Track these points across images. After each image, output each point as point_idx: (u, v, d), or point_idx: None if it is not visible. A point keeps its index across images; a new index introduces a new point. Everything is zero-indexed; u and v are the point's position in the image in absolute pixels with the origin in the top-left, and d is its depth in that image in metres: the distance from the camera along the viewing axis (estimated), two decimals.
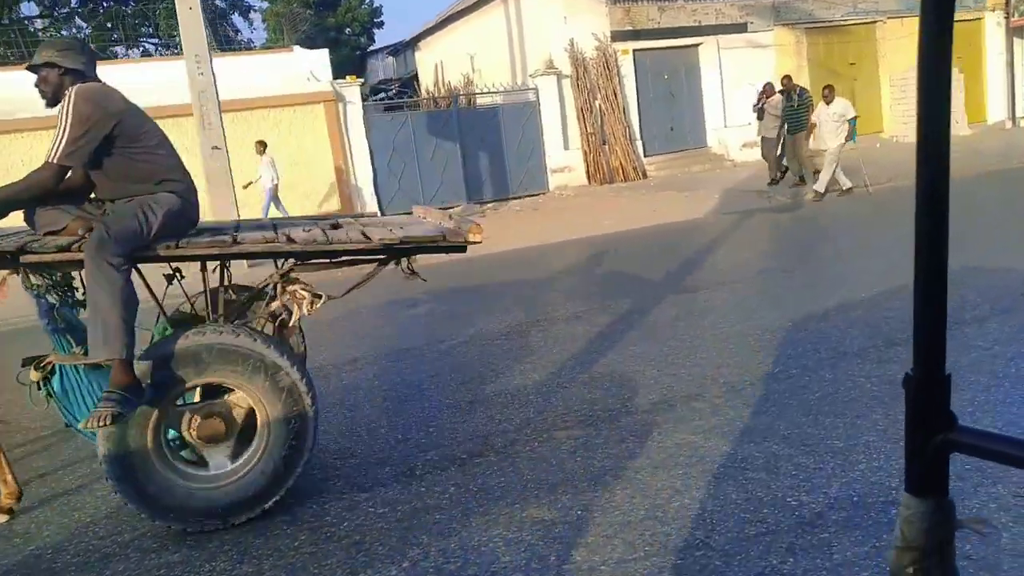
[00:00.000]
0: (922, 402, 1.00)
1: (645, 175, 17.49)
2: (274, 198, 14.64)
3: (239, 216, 11.15)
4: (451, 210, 15.16)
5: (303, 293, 3.37)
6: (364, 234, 3.40)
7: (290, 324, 3.47)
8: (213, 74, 10.41)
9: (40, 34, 20.84)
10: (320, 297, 3.39)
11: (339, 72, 18.73)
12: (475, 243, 3.43)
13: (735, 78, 17.92)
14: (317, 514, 3.33)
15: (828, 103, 11.58)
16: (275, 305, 3.48)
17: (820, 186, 11.50)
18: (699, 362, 4.76)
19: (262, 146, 14.55)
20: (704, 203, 12.68)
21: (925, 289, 0.94)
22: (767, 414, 3.85)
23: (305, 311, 3.36)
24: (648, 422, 3.91)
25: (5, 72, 16.14)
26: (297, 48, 17.03)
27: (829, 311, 5.51)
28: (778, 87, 13.37)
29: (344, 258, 3.62)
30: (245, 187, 14.43)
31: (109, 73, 12.85)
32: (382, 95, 24.46)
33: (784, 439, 3.54)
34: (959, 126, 18.03)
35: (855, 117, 11.55)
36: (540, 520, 3.06)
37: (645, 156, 17.75)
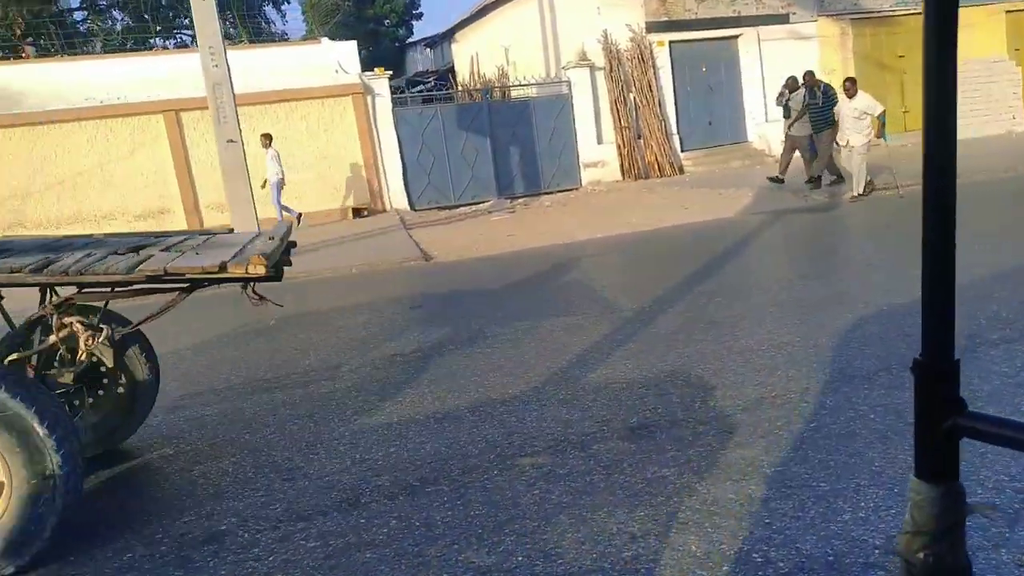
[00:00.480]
0: (931, 387, 1.01)
1: (681, 171, 16.98)
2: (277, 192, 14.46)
3: (256, 212, 11.04)
4: (478, 209, 14.79)
5: (78, 326, 3.08)
6: (139, 263, 3.09)
7: (80, 358, 3.18)
8: (228, 67, 10.27)
9: (79, 26, 21.16)
10: (101, 330, 3.09)
11: (377, 64, 18.62)
12: (256, 278, 3.12)
13: (777, 71, 17.24)
14: (246, 544, 3.08)
15: (850, 97, 10.94)
16: (52, 339, 3.19)
17: (858, 187, 10.92)
18: (692, 381, 4.39)
19: (267, 139, 14.43)
20: (738, 201, 12.17)
21: (933, 274, 0.99)
22: (753, 446, 3.47)
23: (83, 345, 3.08)
24: (621, 451, 3.57)
25: (43, 64, 16.37)
26: (325, 40, 16.91)
27: (843, 326, 5.07)
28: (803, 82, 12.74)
29: (129, 288, 3.31)
30: (263, 187, 14.33)
31: (141, 65, 12.78)
32: (419, 87, 24.31)
33: (765, 479, 3.16)
34: (1016, 122, 17.11)
35: (883, 113, 10.88)
36: (474, 566, 2.74)
37: (682, 151, 17.23)
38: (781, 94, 13.29)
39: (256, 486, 3.60)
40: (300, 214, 14.82)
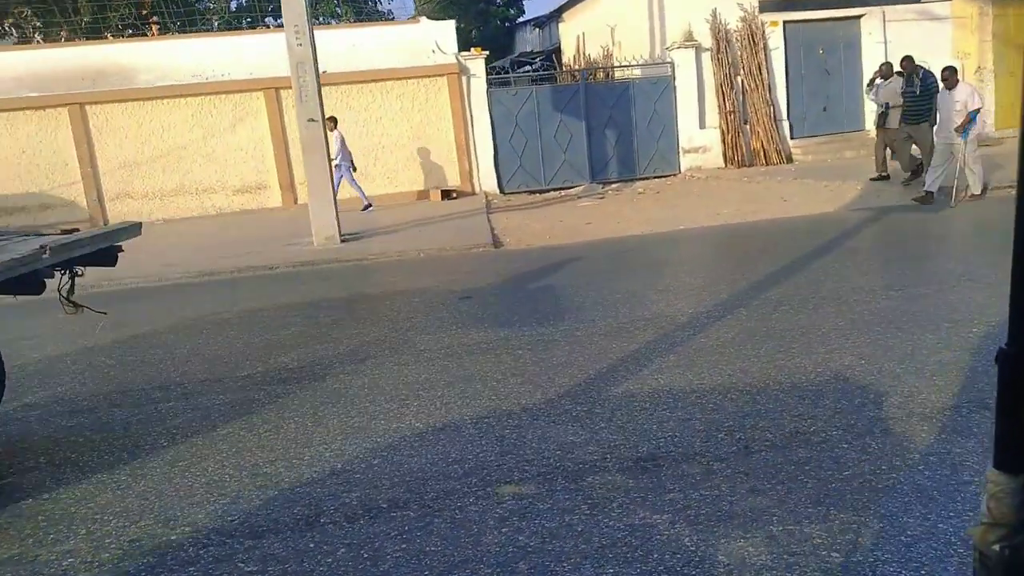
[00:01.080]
0: (1016, 377, 1.01)
1: (789, 159, 15.94)
2: (345, 173, 14.43)
3: (335, 189, 11.00)
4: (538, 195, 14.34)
5: None
6: None
7: None
8: (313, 46, 10.22)
9: (197, 5, 21.95)
10: None
11: (487, 44, 18.37)
12: None
13: (903, 55, 15.86)
14: (186, 561, 2.85)
15: (949, 89, 9.75)
16: None
17: (976, 187, 9.79)
18: (724, 405, 3.87)
19: (332, 122, 14.45)
20: (842, 195, 11.21)
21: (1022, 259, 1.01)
22: (768, 494, 2.96)
23: None
24: (615, 487, 3.13)
25: (157, 42, 17.02)
26: (424, 20, 16.78)
27: (918, 350, 4.39)
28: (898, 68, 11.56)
29: None
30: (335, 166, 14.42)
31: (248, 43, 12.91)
32: (524, 67, 23.95)
33: (769, 539, 2.66)
34: None
35: (977, 111, 9.62)
36: None
37: (791, 138, 16.14)
38: (871, 81, 12.18)
39: (226, 491, 3.39)
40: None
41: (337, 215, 10.70)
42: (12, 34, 21.40)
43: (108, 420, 4.42)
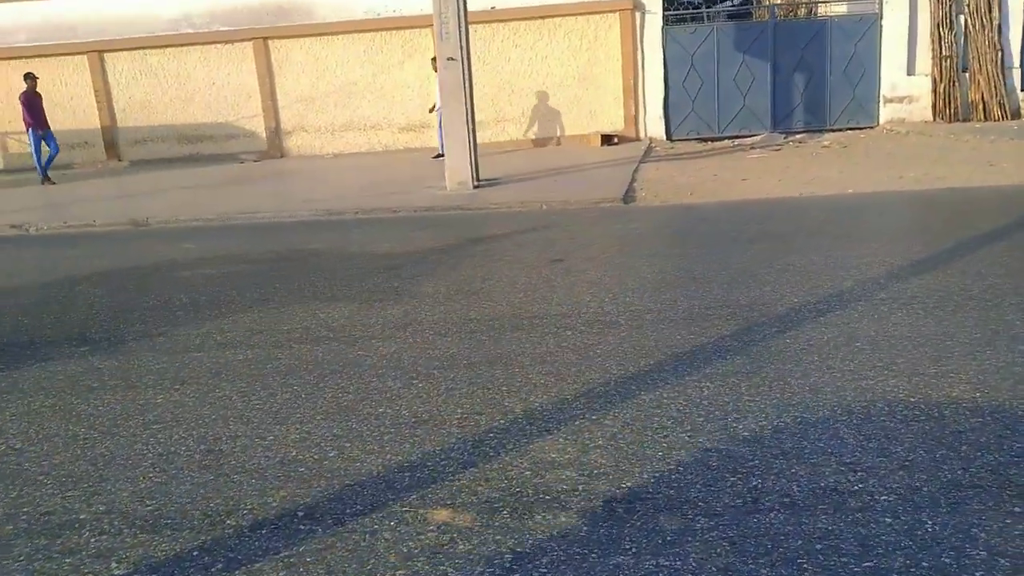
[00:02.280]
0: None
1: (1016, 115, 13.51)
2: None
3: (472, 135, 10.60)
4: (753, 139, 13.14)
5: None
6: None
7: None
8: None
9: None
10: None
11: None
12: None
13: None
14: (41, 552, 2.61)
15: None
16: None
17: None
18: (761, 434, 3.05)
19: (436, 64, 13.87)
20: None
21: None
22: (754, 566, 2.21)
23: None
24: (561, 533, 2.50)
25: None
26: None
27: (1015, 400, 3.27)
28: None
29: None
30: (431, 111, 14.03)
31: None
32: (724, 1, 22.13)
33: None
34: None
35: None
36: None
37: (1021, 90, 13.62)
38: None
39: (181, 476, 3.13)
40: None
41: (474, 159, 10.33)
42: None
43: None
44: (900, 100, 14.16)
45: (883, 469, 2.72)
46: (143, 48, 15.80)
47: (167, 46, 15.74)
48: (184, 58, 15.83)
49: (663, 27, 14.56)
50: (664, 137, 14.80)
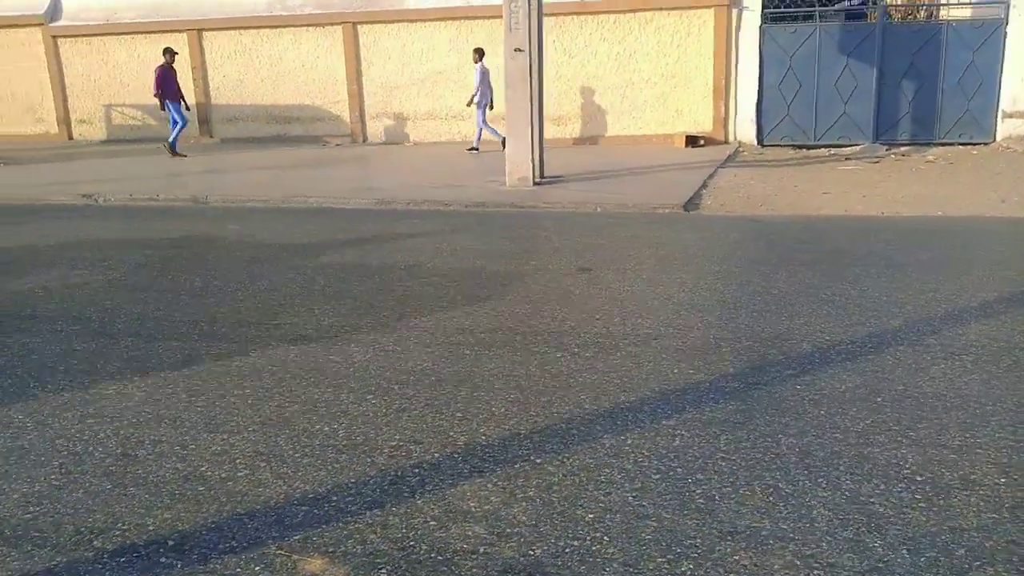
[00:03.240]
0: None
1: None
2: (479, 112, 13.55)
3: (539, 128, 10.20)
4: (848, 149, 12.25)
5: None
6: None
7: None
8: None
9: None
10: None
11: None
12: None
13: None
14: None
15: None
16: None
17: None
18: (681, 504, 2.57)
19: (478, 54, 13.59)
20: None
21: None
22: None
23: None
24: None
25: None
26: None
27: None
28: None
29: None
30: (468, 104, 13.72)
31: None
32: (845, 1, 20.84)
33: None
34: None
35: None
36: None
37: None
38: None
39: (80, 482, 2.93)
40: (504, 138, 13.84)
41: (537, 155, 9.96)
42: None
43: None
44: (1022, 116, 12.86)
45: (848, 570, 2.21)
46: (239, 28, 16.14)
47: (261, 27, 16.02)
48: (277, 40, 16.08)
49: (761, 25, 13.72)
50: (755, 142, 13.99)
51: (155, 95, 13.75)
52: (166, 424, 3.32)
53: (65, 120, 17.52)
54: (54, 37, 16.94)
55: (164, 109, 13.79)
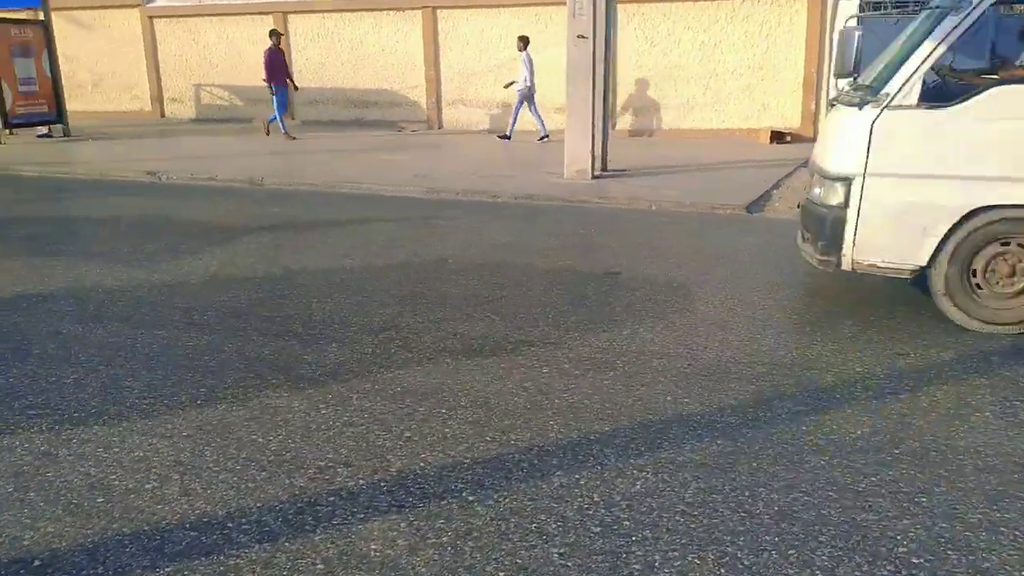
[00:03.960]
0: None
1: None
2: (529, 102, 13.26)
3: (596, 115, 9.72)
4: None
5: None
6: None
7: None
8: None
9: None
10: None
11: None
12: None
13: None
14: None
15: None
16: None
17: None
18: (611, 569, 2.16)
19: (523, 42, 13.01)
20: None
21: None
22: None
23: None
24: None
25: None
26: None
27: None
28: None
29: None
30: (506, 87, 13.23)
31: None
32: None
33: None
34: None
35: None
36: None
37: None
38: None
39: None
40: (546, 136, 13.18)
41: (599, 147, 9.50)
42: None
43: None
44: None
45: None
46: (323, 12, 16.21)
47: (344, 11, 16.04)
48: (358, 23, 16.07)
49: (857, 15, 12.72)
50: None
51: (265, 79, 13.77)
52: (107, 420, 3.13)
53: (158, 98, 18.09)
54: (150, 17, 17.49)
55: (274, 91, 13.89)
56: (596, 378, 3.52)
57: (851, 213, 4.09)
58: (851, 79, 4.24)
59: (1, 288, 4.97)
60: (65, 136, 14.16)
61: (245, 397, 3.34)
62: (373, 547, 2.29)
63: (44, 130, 14.04)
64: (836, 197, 4.13)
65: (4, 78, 13.13)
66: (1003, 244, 3.99)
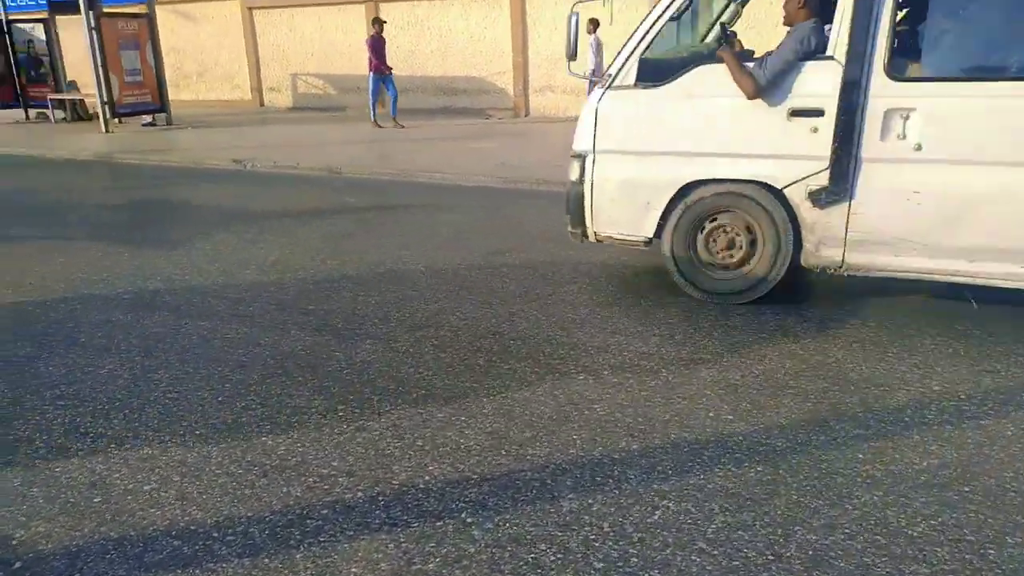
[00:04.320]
0: None
1: None
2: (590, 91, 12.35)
3: None
4: None
5: None
6: None
7: None
8: None
9: None
10: None
11: None
12: None
13: None
14: None
15: None
16: None
17: None
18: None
19: (593, 25, 12.29)
20: None
21: None
22: None
23: None
24: None
25: None
26: None
27: None
28: None
29: None
30: (585, 77, 12.66)
31: None
32: None
33: None
34: None
35: None
36: None
37: None
38: None
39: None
40: None
41: None
42: None
43: None
44: None
45: None
46: (413, 0, 16.27)
47: None
48: (447, 11, 16.03)
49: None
50: None
51: (372, 68, 13.89)
52: (118, 415, 3.10)
53: (257, 88, 18.63)
54: (250, 9, 18.00)
55: (382, 79, 14.03)
56: (635, 387, 3.26)
57: (586, 188, 4.31)
58: (573, 60, 4.49)
59: (68, 274, 5.10)
60: (168, 124, 14.72)
61: (267, 395, 3.25)
62: (353, 570, 2.13)
63: (148, 119, 14.64)
64: (575, 173, 4.35)
65: (112, 70, 13.74)
66: (711, 221, 4.16)
